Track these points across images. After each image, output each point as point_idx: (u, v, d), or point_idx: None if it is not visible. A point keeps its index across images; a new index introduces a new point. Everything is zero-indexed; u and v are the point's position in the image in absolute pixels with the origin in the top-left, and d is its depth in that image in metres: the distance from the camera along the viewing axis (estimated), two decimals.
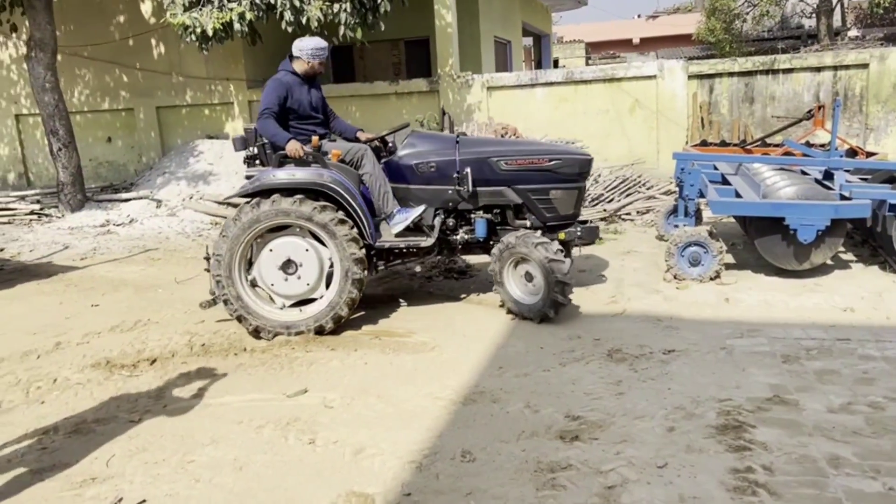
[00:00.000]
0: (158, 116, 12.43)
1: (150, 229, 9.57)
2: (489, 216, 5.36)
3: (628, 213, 8.39)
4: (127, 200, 10.63)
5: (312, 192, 4.97)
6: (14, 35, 11.84)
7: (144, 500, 3.07)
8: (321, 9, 8.43)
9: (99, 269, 7.53)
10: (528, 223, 5.39)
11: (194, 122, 12.38)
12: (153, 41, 12.29)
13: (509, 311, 5.20)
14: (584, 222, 5.67)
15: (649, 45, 35.71)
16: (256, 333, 4.97)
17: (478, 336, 4.87)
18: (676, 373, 4.12)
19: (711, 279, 5.79)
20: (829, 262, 5.94)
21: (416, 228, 5.28)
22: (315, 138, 5.16)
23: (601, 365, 4.29)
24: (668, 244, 5.95)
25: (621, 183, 8.88)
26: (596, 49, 35.87)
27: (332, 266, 4.99)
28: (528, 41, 21.61)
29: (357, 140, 5.60)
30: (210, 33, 8.58)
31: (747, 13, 24.02)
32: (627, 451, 3.28)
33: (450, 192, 5.26)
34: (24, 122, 13.03)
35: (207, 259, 5.22)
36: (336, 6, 8.51)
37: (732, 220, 7.49)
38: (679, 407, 3.68)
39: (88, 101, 12.73)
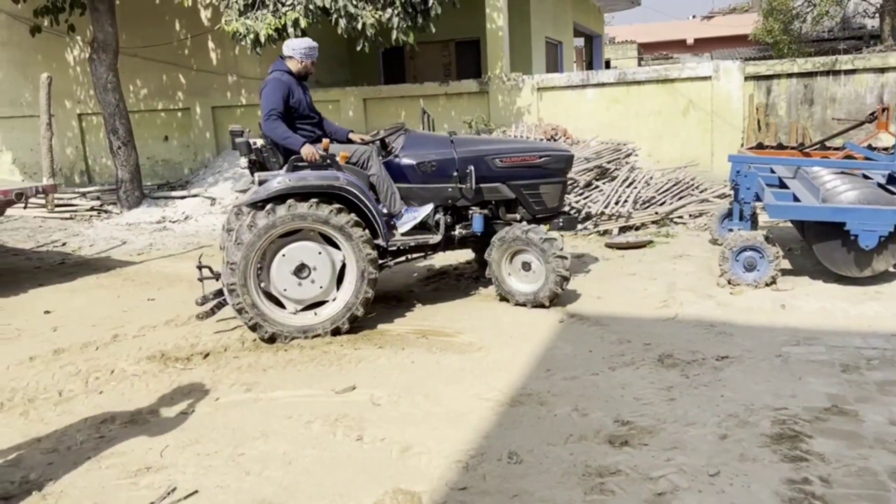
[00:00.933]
0: (214, 116, 12.70)
1: (204, 226, 9.79)
2: (486, 212, 5.61)
3: (680, 217, 8.24)
4: (182, 198, 10.90)
5: (325, 195, 4.95)
6: (78, 37, 12.24)
7: (196, 491, 3.13)
8: (374, 14, 8.51)
9: (155, 265, 7.73)
10: (518, 217, 5.73)
11: (248, 122, 12.59)
12: (210, 43, 12.57)
13: (502, 298, 5.56)
14: (565, 213, 6.11)
15: (704, 45, 35.03)
16: (272, 340, 4.93)
17: (525, 337, 4.84)
18: (730, 380, 4.02)
19: (767, 285, 5.64)
20: (891, 269, 5.73)
21: (421, 226, 5.38)
22: (325, 140, 5.15)
23: (651, 370, 4.22)
24: (722, 248, 5.82)
25: (674, 185, 8.73)
26: (648, 50, 35.36)
27: (342, 267, 5.03)
28: (580, 42, 21.42)
29: (350, 141, 5.57)
30: (262, 40, 8.72)
31: (807, 13, 23.36)
32: (678, 457, 3.21)
33: (450, 189, 5.46)
34: (86, 122, 13.47)
35: (200, 268, 5.27)
36: (388, 11, 8.57)
37: (790, 224, 7.29)
38: (732, 415, 3.59)
39: (146, 100, 13.08)
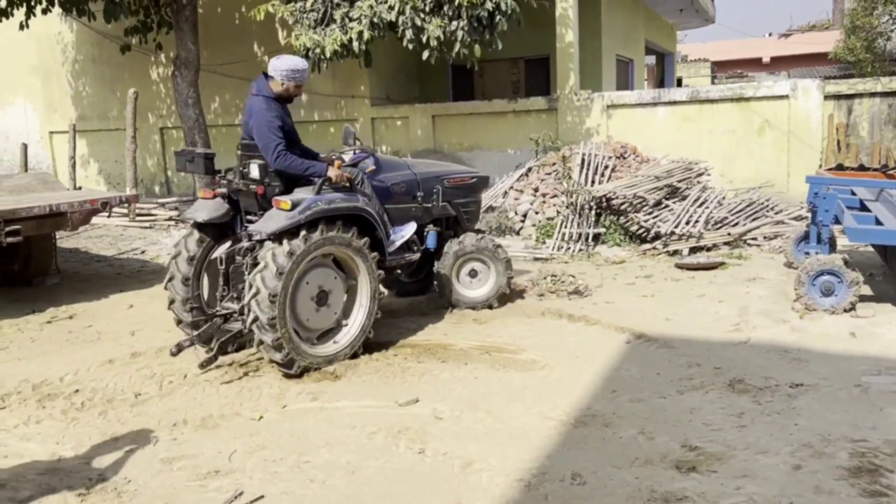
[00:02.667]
0: None
1: None
2: (438, 228, 5.93)
3: (754, 238, 8.01)
4: None
5: (346, 218, 4.86)
6: (161, 55, 12.79)
7: (262, 497, 3.20)
8: (440, 26, 8.56)
9: None
10: (452, 233, 6.11)
11: (321, 138, 12.89)
12: None
13: (452, 306, 5.92)
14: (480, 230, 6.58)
15: (781, 63, 34.05)
16: (301, 375, 4.62)
17: (590, 357, 4.78)
18: (804, 408, 3.87)
19: (845, 311, 5.42)
20: None
21: (404, 245, 5.50)
22: (337, 161, 5.04)
23: (721, 395, 4.10)
24: (798, 272, 5.62)
25: (747, 206, 8.50)
26: (722, 68, 34.58)
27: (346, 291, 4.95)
28: (651, 59, 21.15)
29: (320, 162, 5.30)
30: (327, 55, 8.86)
31: (891, 31, 22.45)
32: (748, 486, 3.11)
33: (414, 208, 5.70)
34: (167, 135, 14.03)
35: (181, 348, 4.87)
36: (454, 24, 8.61)
37: (870, 249, 6.99)
38: (807, 444, 3.46)
39: (224, 116, 13.54)
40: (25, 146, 9.71)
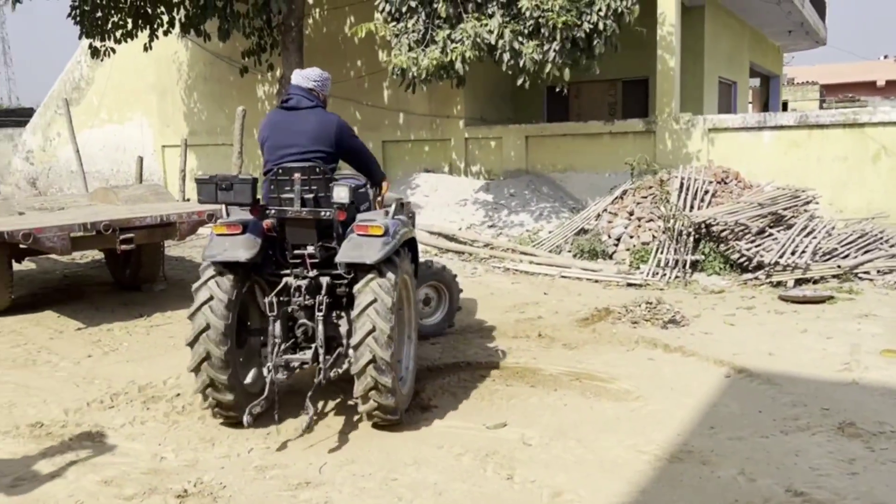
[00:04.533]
0: (384, 150, 13.32)
1: None
2: None
3: (866, 272, 7.54)
4: None
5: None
6: (268, 74, 13.35)
7: None
8: (536, 49, 8.54)
9: None
10: None
11: (415, 157, 13.11)
12: (384, 81, 13.24)
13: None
14: None
15: None
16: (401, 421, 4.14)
17: (687, 390, 4.60)
18: None
19: None
20: None
21: None
22: (385, 184, 4.86)
23: (830, 438, 3.86)
24: None
25: (859, 237, 8.02)
26: (832, 92, 33.03)
27: None
28: (755, 82, 20.43)
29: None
30: (422, 74, 8.96)
31: None
32: None
33: None
34: None
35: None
36: (547, 46, 8.56)
37: None
38: None
39: None
40: (141, 159, 10.31)
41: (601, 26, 8.43)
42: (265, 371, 4.10)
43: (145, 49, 11.79)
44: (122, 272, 8.21)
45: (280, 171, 4.21)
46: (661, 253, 8.11)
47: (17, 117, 20.11)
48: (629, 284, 7.73)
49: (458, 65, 8.85)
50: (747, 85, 17.49)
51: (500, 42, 8.64)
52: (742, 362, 5.08)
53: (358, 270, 4.04)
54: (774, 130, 10.21)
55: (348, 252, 4.02)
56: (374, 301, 3.90)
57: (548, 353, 5.44)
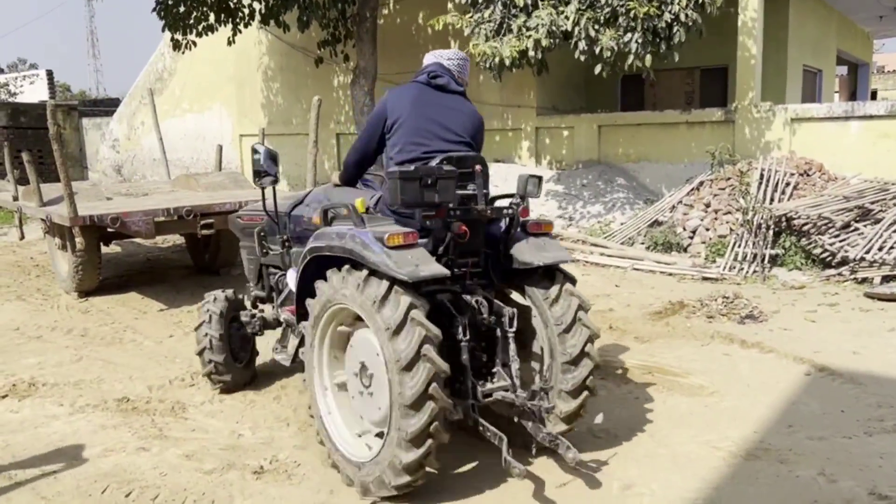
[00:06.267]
0: None
1: None
2: None
3: None
4: None
5: None
6: (343, 64, 13.55)
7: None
8: (614, 38, 8.39)
9: None
10: None
11: (487, 146, 12.95)
12: None
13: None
14: None
15: None
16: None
17: (764, 387, 4.46)
18: None
19: None
20: None
21: None
22: None
23: None
24: None
25: None
26: None
27: None
28: (843, 70, 19.52)
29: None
30: (507, 62, 8.96)
31: None
32: None
33: None
34: (343, 140, 14.82)
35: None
36: (627, 35, 8.41)
37: None
38: None
39: None
40: (220, 147, 10.59)
41: (682, 16, 8.21)
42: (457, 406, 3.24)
43: (229, 43, 12.14)
44: (201, 256, 8.52)
45: (445, 160, 3.39)
46: (739, 246, 7.87)
47: (105, 107, 21.03)
48: (704, 278, 7.54)
49: (531, 52, 8.78)
50: (834, 73, 16.73)
51: (577, 29, 8.52)
52: (824, 360, 4.89)
53: (533, 275, 3.48)
54: (862, 120, 9.74)
55: (537, 254, 3.43)
56: (581, 305, 3.45)
57: (619, 346, 5.36)
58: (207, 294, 4.71)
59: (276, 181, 4.12)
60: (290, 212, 4.31)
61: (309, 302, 3.52)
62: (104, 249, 7.94)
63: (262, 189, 4.23)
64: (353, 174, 3.98)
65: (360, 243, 3.13)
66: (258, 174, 4.09)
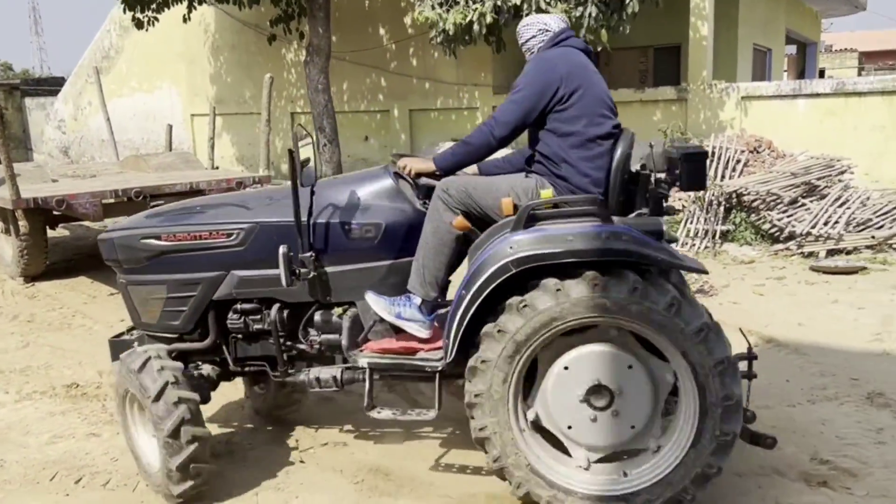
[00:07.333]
0: (411, 119, 13.27)
1: None
2: None
3: None
4: None
5: None
6: (296, 42, 13.33)
7: None
8: (566, 11, 8.34)
9: None
10: None
11: (442, 126, 13.03)
12: (411, 49, 13.15)
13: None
14: None
15: None
16: None
17: None
18: None
19: None
20: None
21: None
22: None
23: (858, 408, 3.82)
24: None
25: (894, 208, 7.85)
26: (872, 59, 32.06)
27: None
28: (791, 49, 19.91)
29: None
30: (451, 30, 8.80)
31: None
32: None
33: None
34: (297, 119, 14.61)
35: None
36: (580, 9, 8.35)
37: None
38: None
39: (351, 102, 13.95)
40: (170, 127, 10.39)
41: None
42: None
43: (184, 20, 11.82)
44: None
45: (630, 136, 3.15)
46: (691, 223, 8.01)
47: (49, 86, 20.33)
48: None
49: (476, 26, 8.68)
50: (783, 52, 17.05)
51: (525, 4, 8.45)
52: (770, 332, 5.03)
53: None
54: (810, 98, 9.96)
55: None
56: None
57: None
58: (137, 352, 3.17)
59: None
60: (317, 219, 3.15)
61: (492, 330, 2.74)
62: (51, 233, 7.73)
63: (309, 188, 3.13)
64: (483, 154, 3.18)
65: (638, 241, 2.67)
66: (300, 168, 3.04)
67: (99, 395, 4.34)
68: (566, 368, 2.79)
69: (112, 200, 6.61)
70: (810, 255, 7.22)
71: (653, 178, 3.04)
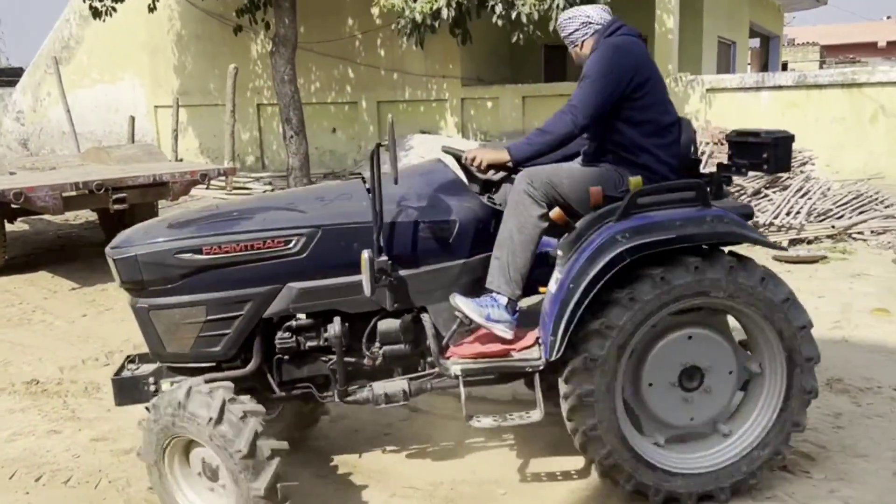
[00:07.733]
0: (379, 110, 13.21)
1: None
2: None
3: (860, 232, 7.56)
4: None
5: None
6: (261, 33, 13.17)
7: None
8: (533, 5, 8.35)
9: None
10: None
11: (411, 118, 13.00)
12: (378, 40, 13.07)
13: None
14: None
15: None
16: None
17: None
18: None
19: None
20: None
21: None
22: None
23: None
24: None
25: (854, 198, 8.02)
26: (832, 52, 32.71)
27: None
28: (755, 42, 20.22)
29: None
30: (419, 19, 8.75)
31: None
32: (843, 490, 2.96)
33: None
34: (263, 111, 14.46)
35: None
36: (548, 2, 8.36)
37: None
38: None
39: (318, 93, 13.83)
40: (133, 119, 10.22)
41: None
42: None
43: (150, 10, 11.61)
44: (115, 232, 8.18)
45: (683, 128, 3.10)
46: None
47: (7, 77, 19.85)
48: None
49: (444, 11, 8.61)
50: (747, 45, 17.32)
51: None
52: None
53: None
54: (772, 91, 10.14)
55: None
56: None
57: None
58: (200, 390, 2.60)
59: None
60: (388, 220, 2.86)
61: (599, 326, 2.67)
62: (9, 227, 7.56)
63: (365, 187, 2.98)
64: (563, 143, 3.05)
65: (739, 224, 2.74)
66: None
67: (60, 391, 4.27)
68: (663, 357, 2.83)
69: (73, 193, 6.47)
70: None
71: (715, 165, 3.11)
